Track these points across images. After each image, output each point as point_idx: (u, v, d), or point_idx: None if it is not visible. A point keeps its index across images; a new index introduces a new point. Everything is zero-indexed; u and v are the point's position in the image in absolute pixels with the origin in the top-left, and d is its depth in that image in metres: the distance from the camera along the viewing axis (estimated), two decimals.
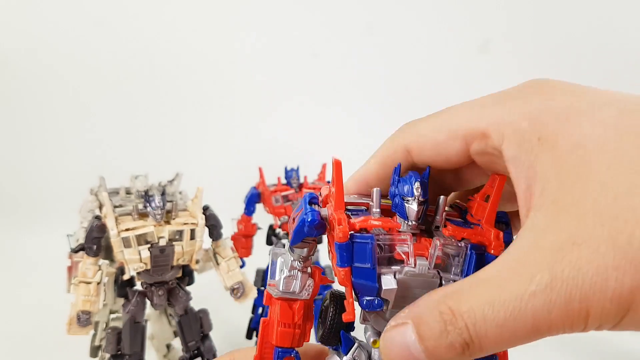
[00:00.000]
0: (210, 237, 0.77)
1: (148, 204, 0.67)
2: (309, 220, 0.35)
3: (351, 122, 1.76)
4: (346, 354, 0.37)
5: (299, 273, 0.37)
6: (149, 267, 0.68)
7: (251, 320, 0.95)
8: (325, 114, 1.76)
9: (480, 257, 0.32)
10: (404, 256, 0.32)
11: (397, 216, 0.34)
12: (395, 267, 0.33)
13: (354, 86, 1.76)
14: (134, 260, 0.67)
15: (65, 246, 0.83)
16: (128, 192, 0.80)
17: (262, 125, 1.78)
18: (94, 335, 0.87)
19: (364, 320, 0.36)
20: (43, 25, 1.72)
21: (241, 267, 0.85)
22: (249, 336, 0.96)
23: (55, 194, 1.70)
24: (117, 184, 0.82)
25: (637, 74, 1.58)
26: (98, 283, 0.69)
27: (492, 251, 0.32)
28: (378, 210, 0.34)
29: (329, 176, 0.93)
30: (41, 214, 1.69)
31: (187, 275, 0.77)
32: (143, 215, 0.69)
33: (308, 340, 0.38)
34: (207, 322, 0.78)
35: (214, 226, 0.75)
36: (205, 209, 0.73)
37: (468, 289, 0.27)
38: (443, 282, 0.33)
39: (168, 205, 0.69)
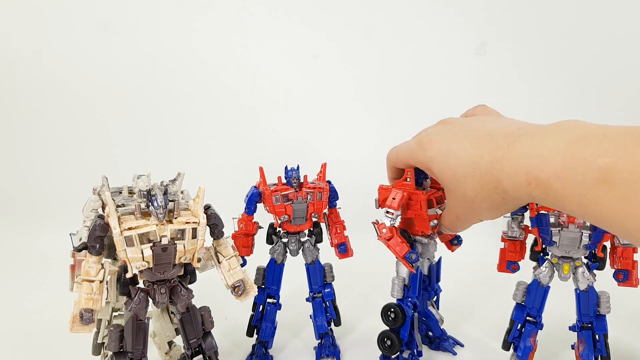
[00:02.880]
0: (212, 236, 0.78)
1: (150, 203, 0.68)
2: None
3: (350, 122, 1.76)
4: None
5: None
6: (151, 265, 0.69)
7: (252, 317, 0.96)
8: (325, 114, 1.77)
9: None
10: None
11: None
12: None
13: (353, 87, 1.77)
14: (137, 259, 0.68)
15: (68, 245, 0.84)
16: (131, 192, 0.80)
17: (262, 125, 1.79)
18: (97, 333, 0.88)
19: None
20: (49, 28, 1.73)
21: (242, 265, 0.86)
22: (249, 334, 0.97)
23: (59, 194, 1.71)
24: (119, 184, 0.83)
25: (632, 75, 1.59)
26: (101, 281, 0.70)
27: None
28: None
29: (328, 176, 0.94)
30: (44, 213, 1.70)
31: (188, 273, 0.78)
32: (145, 214, 0.70)
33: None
34: (209, 319, 0.79)
35: (215, 225, 0.76)
36: (207, 208, 0.74)
37: (444, 216, 0.79)
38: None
39: (170, 205, 0.70)
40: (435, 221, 0.84)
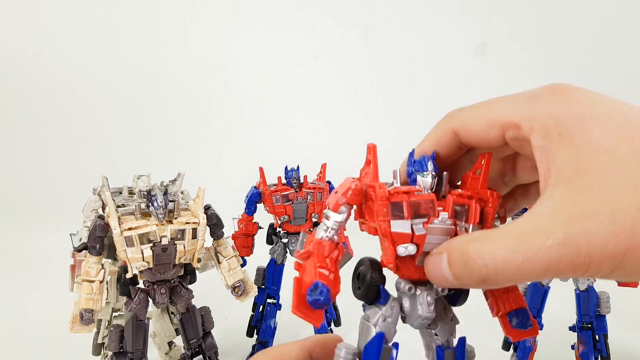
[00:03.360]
0: (212, 236, 0.78)
1: (150, 204, 0.68)
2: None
3: (351, 122, 1.76)
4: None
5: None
6: (151, 265, 0.69)
7: (252, 318, 0.96)
8: (325, 115, 1.77)
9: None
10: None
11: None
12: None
13: (353, 87, 1.77)
14: (137, 259, 0.68)
15: (68, 245, 0.84)
16: (131, 192, 0.80)
17: (262, 125, 1.79)
18: (97, 333, 0.88)
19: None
20: (49, 28, 1.73)
21: (242, 265, 0.86)
22: (249, 334, 0.97)
23: (59, 194, 1.71)
24: (120, 184, 0.83)
25: (632, 74, 1.59)
26: (101, 281, 0.70)
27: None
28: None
29: (328, 176, 0.94)
30: (44, 213, 1.70)
31: (188, 273, 0.78)
32: (146, 214, 0.70)
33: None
34: (209, 319, 0.79)
35: (215, 225, 0.76)
36: (207, 208, 0.74)
37: (493, 237, 0.35)
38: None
39: (170, 205, 0.70)
40: (411, 248, 0.39)
